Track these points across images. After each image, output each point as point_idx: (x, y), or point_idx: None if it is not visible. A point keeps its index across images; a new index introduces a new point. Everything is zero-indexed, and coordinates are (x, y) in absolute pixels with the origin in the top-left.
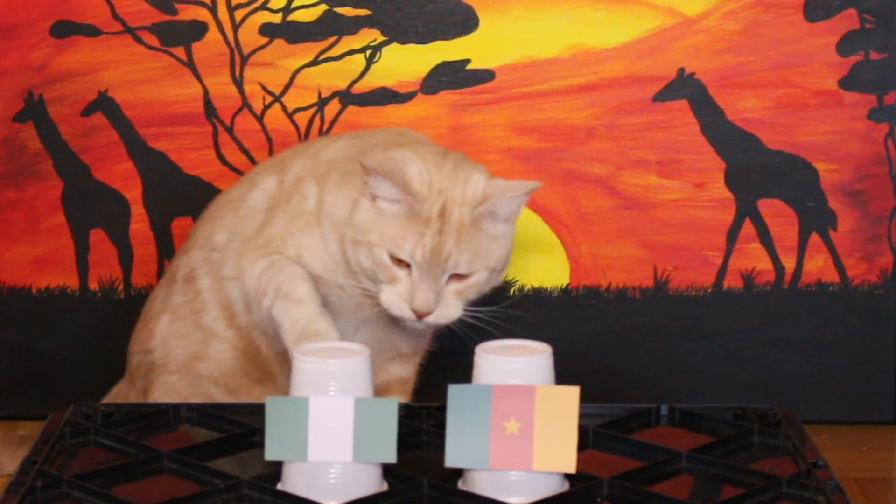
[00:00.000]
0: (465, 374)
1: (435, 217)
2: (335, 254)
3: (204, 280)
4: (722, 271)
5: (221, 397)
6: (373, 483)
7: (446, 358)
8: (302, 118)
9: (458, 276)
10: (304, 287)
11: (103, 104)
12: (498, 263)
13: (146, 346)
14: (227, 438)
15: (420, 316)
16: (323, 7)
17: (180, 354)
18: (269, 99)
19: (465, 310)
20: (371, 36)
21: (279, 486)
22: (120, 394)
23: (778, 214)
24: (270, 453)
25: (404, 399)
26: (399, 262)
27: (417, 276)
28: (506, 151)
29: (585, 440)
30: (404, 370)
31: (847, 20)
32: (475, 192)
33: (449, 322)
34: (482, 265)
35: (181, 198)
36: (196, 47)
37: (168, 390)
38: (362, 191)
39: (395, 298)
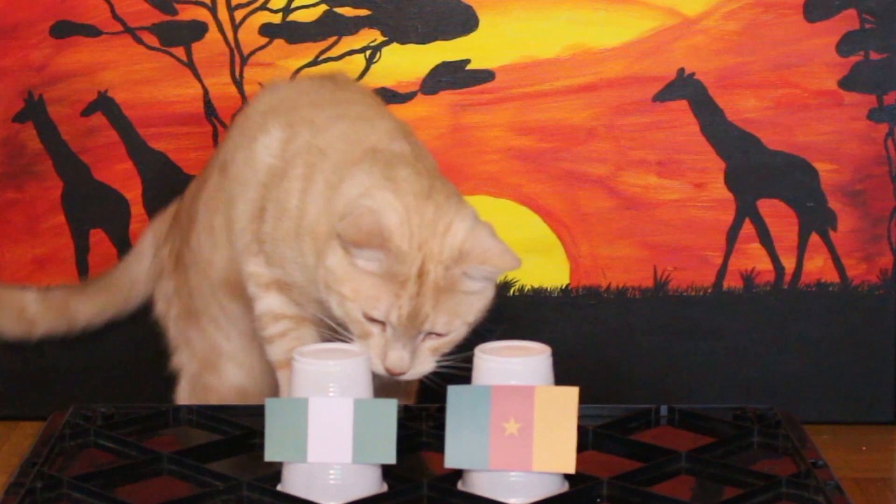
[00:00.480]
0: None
1: (413, 278)
2: (312, 270)
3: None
4: (722, 271)
5: None
6: (372, 484)
7: None
8: None
9: (434, 334)
10: None
11: (103, 104)
12: (478, 317)
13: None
14: (226, 440)
15: (393, 374)
16: (323, 7)
17: None
18: None
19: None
20: (371, 36)
21: (279, 488)
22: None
23: (778, 214)
24: (270, 454)
25: (407, 400)
26: (373, 318)
27: (392, 335)
28: (506, 151)
29: (585, 441)
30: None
31: (847, 20)
32: (453, 248)
33: (423, 376)
34: (461, 323)
35: None
36: (196, 47)
37: None
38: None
39: (372, 357)
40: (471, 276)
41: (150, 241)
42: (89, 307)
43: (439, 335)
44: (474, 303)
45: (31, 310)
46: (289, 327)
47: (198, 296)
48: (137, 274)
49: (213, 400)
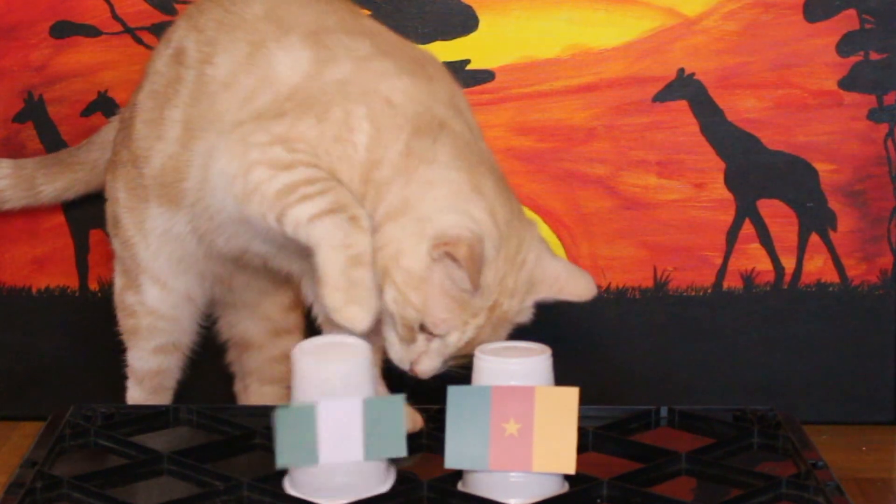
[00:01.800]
0: (464, 375)
1: (485, 311)
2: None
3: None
4: (722, 272)
5: None
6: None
7: None
8: None
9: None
10: (364, 216)
11: (103, 104)
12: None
13: None
14: (226, 440)
15: (412, 374)
16: None
17: None
18: None
19: None
20: None
21: (286, 487)
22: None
23: (778, 215)
24: (282, 461)
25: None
26: (424, 328)
27: (436, 350)
28: (506, 151)
29: (585, 442)
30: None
31: (847, 20)
32: (525, 281)
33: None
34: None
35: None
36: None
37: None
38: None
39: (402, 353)
40: (535, 305)
41: (113, 128)
42: (54, 185)
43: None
44: (507, 331)
45: (1, 184)
46: (330, 185)
47: (128, 195)
48: (98, 160)
49: (131, 324)
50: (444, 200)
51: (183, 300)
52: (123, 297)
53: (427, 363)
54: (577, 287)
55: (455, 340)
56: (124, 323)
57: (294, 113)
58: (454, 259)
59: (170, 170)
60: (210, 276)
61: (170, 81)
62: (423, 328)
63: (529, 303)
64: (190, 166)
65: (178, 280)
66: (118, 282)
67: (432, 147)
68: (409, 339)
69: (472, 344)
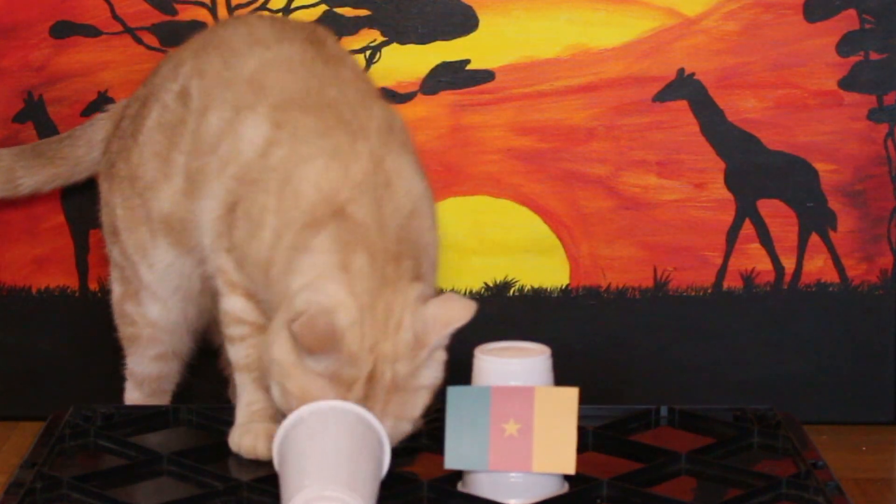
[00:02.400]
0: (464, 375)
1: (362, 381)
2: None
3: None
4: (722, 272)
5: None
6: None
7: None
8: None
9: None
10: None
11: (103, 104)
12: (424, 408)
13: None
14: (226, 441)
15: None
16: (323, 7)
17: None
18: None
19: None
20: (371, 36)
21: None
22: None
23: (778, 215)
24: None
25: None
26: None
27: None
28: (506, 152)
29: (585, 441)
30: None
31: (847, 20)
32: (406, 342)
33: None
34: (406, 422)
35: None
36: None
37: None
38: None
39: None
40: (432, 357)
41: (101, 128)
42: (34, 178)
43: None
44: (422, 399)
45: None
46: (248, 333)
47: (126, 213)
48: (82, 157)
49: (131, 332)
50: (305, 284)
51: (183, 317)
52: (123, 306)
53: None
54: (456, 313)
55: None
56: (124, 330)
57: (240, 207)
58: (298, 337)
59: (177, 219)
60: (212, 303)
61: (177, 121)
62: None
63: (424, 357)
64: (198, 227)
65: (179, 303)
66: (116, 289)
67: (314, 238)
68: None
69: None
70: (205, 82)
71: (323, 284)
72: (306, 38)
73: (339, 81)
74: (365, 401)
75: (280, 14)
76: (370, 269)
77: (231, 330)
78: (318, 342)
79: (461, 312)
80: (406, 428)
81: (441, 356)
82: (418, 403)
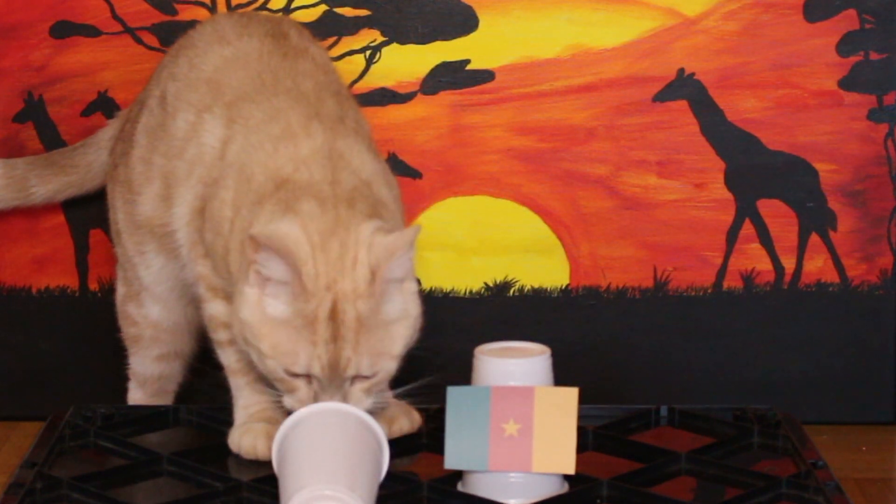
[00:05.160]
0: (464, 376)
1: (324, 321)
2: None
3: None
4: (722, 272)
5: None
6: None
7: (445, 360)
8: None
9: (362, 377)
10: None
11: (103, 104)
12: (406, 344)
13: None
14: (226, 441)
15: None
16: (323, 7)
17: None
18: None
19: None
20: (371, 36)
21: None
22: None
23: (778, 215)
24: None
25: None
26: (296, 374)
27: (318, 386)
28: (506, 152)
29: (585, 441)
30: None
31: (847, 20)
32: (364, 277)
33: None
34: (387, 359)
35: None
36: None
37: None
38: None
39: (299, 405)
40: (391, 283)
41: (111, 133)
42: (47, 187)
43: (366, 377)
44: (398, 332)
45: None
46: (233, 337)
47: (126, 216)
48: (93, 163)
49: (133, 332)
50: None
51: (184, 318)
52: (126, 307)
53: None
54: (398, 239)
55: (319, 368)
56: (126, 330)
57: (206, 209)
58: (259, 245)
59: (157, 223)
60: (194, 310)
61: (157, 125)
62: (289, 373)
63: (380, 291)
64: (176, 234)
65: (179, 304)
66: (120, 289)
67: (261, 211)
68: (290, 388)
69: (343, 365)
70: (176, 84)
71: (274, 225)
72: (268, 33)
73: (296, 73)
74: (334, 342)
75: (280, 14)
76: (320, 211)
77: (219, 335)
78: (276, 242)
79: (403, 237)
80: (391, 366)
81: (411, 287)
82: (396, 338)
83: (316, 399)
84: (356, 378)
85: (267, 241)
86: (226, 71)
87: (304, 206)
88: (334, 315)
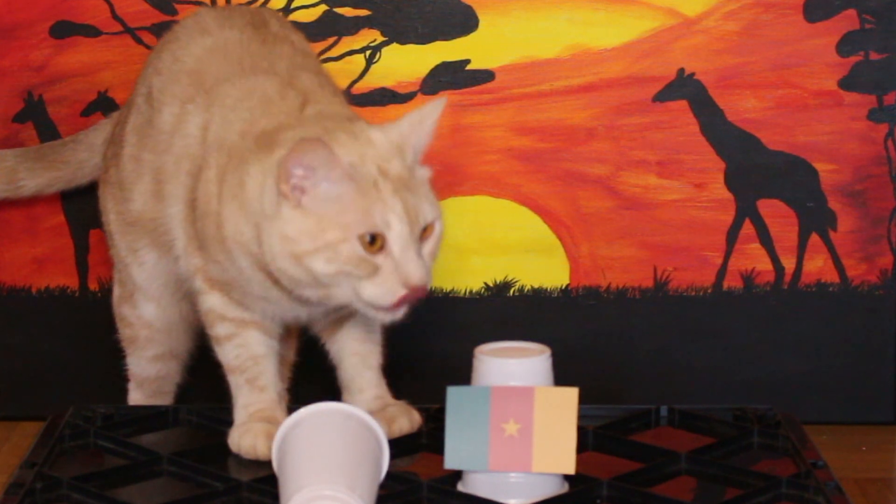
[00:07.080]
0: (464, 376)
1: (380, 179)
2: (249, 273)
3: None
4: (722, 272)
5: None
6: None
7: (445, 360)
8: None
9: (423, 234)
10: (268, 374)
11: (103, 104)
12: (438, 243)
13: None
14: (226, 441)
15: (416, 293)
16: (323, 7)
17: None
18: None
19: None
20: (371, 36)
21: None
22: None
23: (778, 215)
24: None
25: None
26: (372, 247)
27: (400, 249)
28: (506, 152)
29: (585, 441)
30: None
31: (847, 20)
32: (391, 143)
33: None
34: (438, 209)
35: None
36: None
37: None
38: (272, 201)
39: (383, 287)
40: (417, 153)
41: (103, 132)
42: (36, 181)
43: (427, 232)
44: (430, 191)
45: None
46: (233, 331)
47: (118, 217)
48: (84, 161)
49: (129, 334)
50: (259, 186)
51: (178, 317)
52: (121, 308)
53: (414, 266)
54: (433, 109)
55: (398, 221)
56: (122, 331)
57: (196, 199)
58: (292, 162)
59: (148, 219)
60: (190, 308)
61: (145, 122)
62: (367, 247)
63: (413, 154)
64: (170, 230)
65: (173, 301)
66: (116, 291)
67: (246, 169)
68: (371, 269)
69: (414, 210)
70: (161, 79)
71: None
72: (248, 23)
73: (273, 56)
74: (397, 193)
75: (280, 13)
76: (305, 131)
77: (216, 330)
78: (313, 152)
79: (433, 107)
80: (440, 221)
81: (425, 173)
82: (431, 194)
83: (403, 267)
84: (423, 236)
85: (293, 152)
86: (206, 61)
87: (288, 133)
88: (383, 172)
